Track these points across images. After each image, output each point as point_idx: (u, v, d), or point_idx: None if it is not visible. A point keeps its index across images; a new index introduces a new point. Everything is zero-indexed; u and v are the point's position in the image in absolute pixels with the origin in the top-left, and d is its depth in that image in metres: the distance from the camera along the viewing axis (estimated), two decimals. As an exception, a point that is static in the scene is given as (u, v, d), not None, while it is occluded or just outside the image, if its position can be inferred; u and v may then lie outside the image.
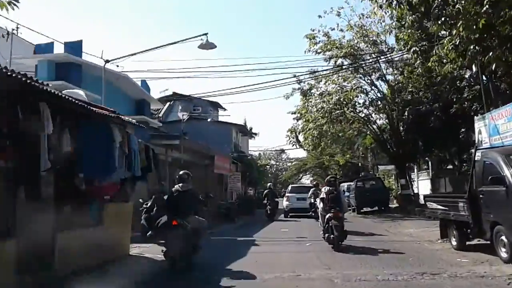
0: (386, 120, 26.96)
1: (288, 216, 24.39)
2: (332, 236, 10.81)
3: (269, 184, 29.20)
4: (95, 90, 12.07)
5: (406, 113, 25.69)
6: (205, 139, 29.29)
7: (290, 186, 30.99)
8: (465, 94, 21.44)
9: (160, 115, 35.67)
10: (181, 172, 9.40)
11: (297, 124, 27.65)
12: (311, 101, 26.55)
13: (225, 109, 41.32)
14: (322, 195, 11.83)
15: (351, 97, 24.28)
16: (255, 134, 67.71)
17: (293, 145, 28.00)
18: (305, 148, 28.11)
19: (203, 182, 21.73)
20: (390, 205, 27.91)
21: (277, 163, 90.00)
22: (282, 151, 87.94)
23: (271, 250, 11.04)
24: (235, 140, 35.86)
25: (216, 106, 39.92)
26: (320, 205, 12.14)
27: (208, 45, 13.88)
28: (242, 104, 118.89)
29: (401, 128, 26.44)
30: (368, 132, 27.81)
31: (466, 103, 21.86)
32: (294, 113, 27.24)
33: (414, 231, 15.47)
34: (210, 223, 18.12)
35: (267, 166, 42.63)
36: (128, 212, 9.78)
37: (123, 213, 9.46)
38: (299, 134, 27.43)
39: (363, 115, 26.42)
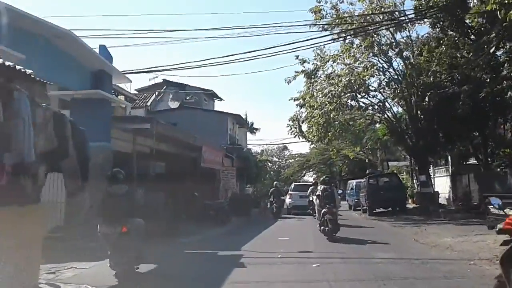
0: (403, 107, 23.25)
1: (291, 213, 24.88)
2: (326, 228, 12.49)
3: (275, 182, 28.15)
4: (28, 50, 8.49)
5: (426, 98, 22.07)
6: (198, 130, 25.85)
7: (293, 184, 30.95)
8: (504, 71, 17.83)
9: (148, 104, 32.29)
10: (113, 171, 8.06)
11: (300, 111, 24.04)
12: (316, 85, 22.92)
13: (221, 99, 37.75)
14: (318, 192, 13.79)
15: (364, 79, 20.60)
16: (256, 129, 64.23)
17: (296, 136, 24.34)
18: (309, 139, 24.45)
19: (189, 178, 18.18)
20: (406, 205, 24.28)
21: (280, 160, 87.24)
22: (285, 147, 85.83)
23: (261, 278, 7.32)
24: (231, 132, 32.25)
25: (212, 95, 36.35)
26: (316, 201, 14.49)
27: None
28: (242, 98, 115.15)
29: (421, 116, 22.80)
30: (381, 121, 24.04)
31: (505, 82, 18.22)
32: (297, 99, 23.58)
33: (452, 241, 11.85)
34: (194, 227, 14.73)
35: (268, 162, 39.16)
36: (33, 220, 6.16)
37: (18, 222, 5.84)
38: (302, 123, 23.78)
39: (376, 100, 22.76)
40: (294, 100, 23.74)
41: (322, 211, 12.80)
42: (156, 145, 15.91)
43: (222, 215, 16.58)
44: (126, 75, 14.62)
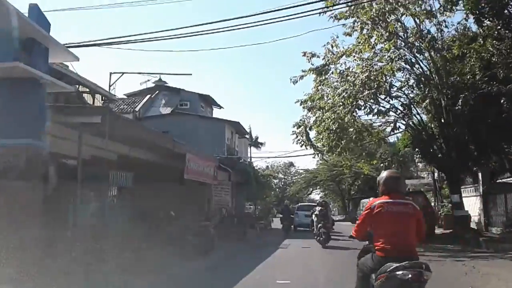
0: (431, 113, 19.38)
1: (296, 229, 27.80)
2: (321, 238, 17.00)
3: (286, 201, 32.88)
4: None
5: (460, 102, 18.24)
6: (191, 139, 22.37)
7: (298, 204, 35.50)
8: None
9: (137, 108, 28.80)
10: None
11: (307, 116, 20.24)
12: (327, 84, 19.21)
13: (220, 107, 34.15)
14: (316, 212, 18.71)
15: (387, 74, 16.81)
16: (261, 144, 60.65)
17: (302, 145, 20.47)
18: (318, 150, 20.60)
19: (167, 193, 14.43)
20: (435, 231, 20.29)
21: (285, 177, 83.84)
22: (291, 164, 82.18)
23: None
24: (228, 142, 28.53)
25: (209, 101, 32.78)
26: (315, 218, 18.69)
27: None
28: (245, 110, 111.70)
29: (452, 124, 18.95)
30: (406, 128, 20.10)
31: None
32: (304, 101, 19.81)
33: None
34: (162, 259, 10.90)
35: (272, 178, 34.97)
36: None
37: None
38: (310, 129, 19.97)
39: (399, 103, 18.89)
40: (301, 103, 19.96)
41: (318, 226, 17.22)
42: (117, 148, 12.23)
43: (205, 241, 12.69)
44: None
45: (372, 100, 17.34)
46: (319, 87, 19.35)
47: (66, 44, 10.60)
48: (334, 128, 18.46)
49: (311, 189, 59.04)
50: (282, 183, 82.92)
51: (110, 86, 12.84)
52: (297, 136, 20.53)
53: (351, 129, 18.86)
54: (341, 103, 17.50)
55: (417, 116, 19.42)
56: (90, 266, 7.84)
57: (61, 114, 9.58)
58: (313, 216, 19.24)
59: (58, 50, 9.77)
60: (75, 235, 8.90)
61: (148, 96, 30.54)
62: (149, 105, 30.68)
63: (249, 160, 35.47)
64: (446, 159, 18.95)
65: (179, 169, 15.31)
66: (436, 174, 29.25)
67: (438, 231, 21.12)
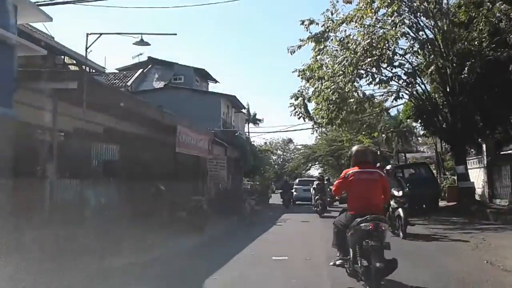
0: (436, 81, 18.43)
1: (295, 203, 28.80)
2: (317, 209, 18.69)
3: (285, 177, 36.36)
4: None
5: (466, 69, 17.28)
6: (186, 113, 21.49)
7: (297, 179, 35.22)
8: None
9: (129, 83, 27.78)
10: None
11: (305, 87, 19.27)
12: (327, 52, 18.19)
13: (216, 81, 33.07)
14: (314, 186, 20.79)
15: (390, 40, 15.77)
16: (259, 120, 59.68)
17: (300, 117, 19.60)
18: (317, 122, 19.73)
19: (157, 167, 13.61)
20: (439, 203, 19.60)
21: (284, 154, 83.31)
22: (290, 140, 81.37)
23: None
24: (224, 116, 27.61)
25: (205, 76, 31.68)
26: (313, 192, 20.91)
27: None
28: (243, 86, 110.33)
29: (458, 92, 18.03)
30: (410, 97, 19.14)
31: None
32: (302, 71, 18.79)
33: None
34: (152, 236, 10.15)
35: (270, 153, 34.15)
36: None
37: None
38: (309, 100, 19.05)
39: (402, 72, 17.89)
40: (299, 73, 18.95)
41: (316, 198, 18.76)
42: (102, 120, 11.38)
43: (198, 217, 11.92)
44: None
45: (374, 69, 16.34)
46: (318, 57, 18.31)
47: (37, 2, 9.57)
48: (334, 99, 17.57)
49: (310, 164, 58.34)
50: (281, 160, 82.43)
51: (86, 49, 11.77)
52: (295, 108, 19.63)
53: (352, 100, 17.91)
54: (341, 72, 16.56)
55: (421, 85, 18.46)
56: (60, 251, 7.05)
57: (34, 80, 8.67)
58: (312, 190, 21.67)
59: (28, 8, 8.82)
60: (47, 215, 8.09)
61: (140, 71, 29.48)
62: (142, 80, 29.65)
63: (246, 135, 34.64)
64: (451, 130, 18.12)
65: (170, 142, 14.48)
66: (439, 146, 28.46)
67: (441, 203, 20.42)
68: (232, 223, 15.77)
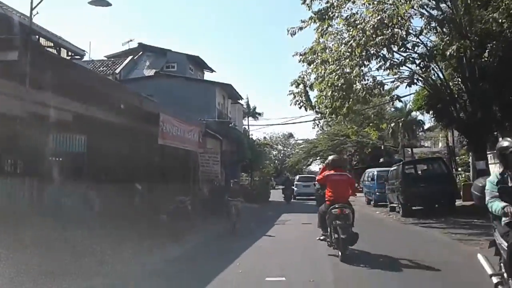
0: (454, 66, 16.47)
1: (296, 199, 29.22)
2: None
3: (286, 173, 37.66)
4: None
5: (487, 52, 15.34)
6: (178, 103, 19.76)
7: (297, 176, 36.38)
8: None
9: (117, 71, 25.83)
10: None
11: (307, 72, 17.30)
12: (332, 32, 16.22)
13: (212, 70, 31.07)
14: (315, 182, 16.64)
15: (404, 15, 13.77)
16: (259, 114, 57.59)
17: (302, 106, 17.60)
18: (319, 111, 17.77)
19: (135, 161, 11.71)
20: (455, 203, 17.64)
21: (285, 149, 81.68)
22: (290, 135, 79.38)
23: None
24: (219, 107, 25.66)
25: (199, 64, 29.69)
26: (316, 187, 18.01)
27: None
28: (241, 78, 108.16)
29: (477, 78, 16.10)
30: (424, 83, 17.12)
31: None
32: (304, 54, 16.83)
33: None
34: (120, 247, 8.18)
35: (269, 148, 32.15)
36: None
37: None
38: (311, 88, 17.09)
39: (416, 55, 15.87)
40: (300, 56, 17.00)
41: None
42: (67, 105, 9.47)
43: (180, 221, 10.04)
44: None
45: (385, 50, 14.37)
46: (322, 39, 16.33)
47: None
48: (339, 85, 15.58)
49: (311, 159, 56.19)
50: (282, 155, 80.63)
51: (31, 10, 9.38)
52: (295, 97, 17.63)
53: (359, 87, 15.95)
54: (347, 54, 14.59)
55: (436, 70, 16.48)
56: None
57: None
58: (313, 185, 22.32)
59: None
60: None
61: (130, 58, 27.50)
62: (132, 67, 27.71)
63: (244, 128, 32.74)
64: (470, 120, 16.17)
65: (153, 133, 12.58)
66: (450, 139, 26.55)
67: (457, 203, 18.50)
68: (224, 226, 13.83)
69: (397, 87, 16.70)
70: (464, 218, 14.98)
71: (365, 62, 14.88)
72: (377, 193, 23.17)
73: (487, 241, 9.97)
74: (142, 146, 12.38)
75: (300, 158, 53.99)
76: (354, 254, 8.23)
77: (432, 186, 15.77)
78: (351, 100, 16.20)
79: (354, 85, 15.87)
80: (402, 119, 28.66)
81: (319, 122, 60.83)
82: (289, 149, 77.76)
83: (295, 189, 30.10)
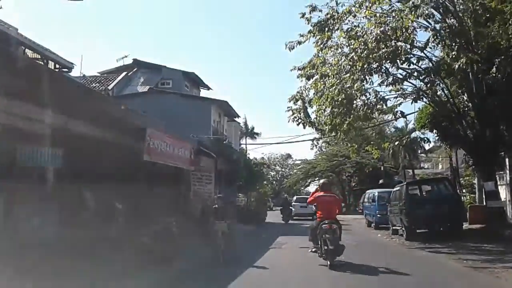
0: (459, 82, 15.70)
1: (294, 219, 29.32)
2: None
3: (284, 195, 37.76)
4: None
5: (494, 68, 14.65)
6: (172, 120, 18.93)
7: (295, 197, 36.93)
8: None
9: (110, 87, 25.06)
10: None
11: (306, 87, 16.52)
12: (331, 48, 15.49)
13: (208, 88, 30.35)
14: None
15: (408, 27, 12.99)
16: (257, 134, 56.80)
17: (300, 123, 16.76)
18: (318, 127, 16.92)
19: (128, 180, 10.73)
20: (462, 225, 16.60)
21: (283, 169, 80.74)
22: (288, 155, 78.63)
23: None
24: (215, 124, 24.81)
25: (195, 81, 28.97)
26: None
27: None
28: (238, 97, 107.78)
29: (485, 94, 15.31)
30: (429, 99, 16.26)
31: None
32: (303, 68, 16.08)
33: None
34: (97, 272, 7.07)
35: (267, 167, 31.12)
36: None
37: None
38: (310, 104, 16.29)
39: (420, 69, 15.08)
40: (298, 71, 16.25)
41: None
42: (45, 116, 8.58)
43: (164, 245, 9.01)
44: None
45: (388, 63, 13.57)
46: (321, 53, 15.61)
47: None
48: (339, 99, 14.74)
49: (309, 180, 55.21)
50: (280, 176, 79.62)
51: None
52: (293, 113, 16.83)
53: (360, 102, 15.14)
54: (348, 67, 13.82)
55: (441, 86, 15.69)
56: None
57: None
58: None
59: None
60: None
61: (124, 74, 26.78)
62: (126, 84, 26.94)
63: (241, 147, 31.82)
64: (479, 139, 15.31)
65: (140, 149, 11.65)
66: (454, 160, 25.65)
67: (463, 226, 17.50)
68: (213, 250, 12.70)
69: (400, 103, 15.89)
70: (472, 242, 13.98)
71: (367, 76, 14.05)
72: (378, 215, 22.17)
73: (504, 269, 9.13)
74: (126, 163, 11.41)
75: (298, 179, 52.99)
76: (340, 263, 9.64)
77: (438, 208, 14.79)
78: (352, 116, 15.38)
79: (355, 101, 15.09)
80: (407, 137, 27.74)
81: (317, 142, 60.15)
82: (287, 170, 76.99)
83: (293, 209, 30.27)
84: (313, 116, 16.35)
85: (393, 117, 15.08)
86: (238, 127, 31.78)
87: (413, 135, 32.51)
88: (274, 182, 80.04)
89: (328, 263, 9.39)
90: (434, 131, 19.46)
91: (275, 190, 75.01)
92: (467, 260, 10.81)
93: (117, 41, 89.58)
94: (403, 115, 15.04)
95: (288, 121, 17.05)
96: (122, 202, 9.73)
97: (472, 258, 11.09)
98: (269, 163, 64.19)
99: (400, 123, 30.39)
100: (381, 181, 43.05)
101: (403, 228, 15.93)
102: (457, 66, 12.57)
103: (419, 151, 32.92)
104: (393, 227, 18.24)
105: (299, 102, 16.43)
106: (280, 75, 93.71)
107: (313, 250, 10.42)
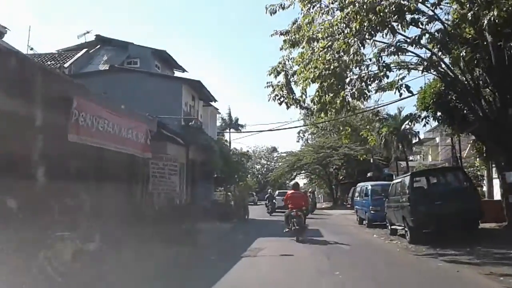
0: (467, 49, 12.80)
1: (276, 211, 30.18)
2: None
3: (270, 190, 38.75)
4: None
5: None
6: (138, 103, 16.11)
7: (277, 191, 37.66)
8: None
9: (66, 65, 21.83)
10: None
11: (289, 57, 13.47)
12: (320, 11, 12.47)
13: (183, 69, 27.17)
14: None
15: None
16: (242, 126, 53.72)
17: (282, 102, 13.73)
18: (303, 106, 13.89)
19: (26, 167, 7.62)
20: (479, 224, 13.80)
21: (268, 163, 78.75)
22: (274, 149, 76.16)
23: None
24: (187, 108, 21.68)
25: (167, 61, 25.77)
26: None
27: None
28: (222, 84, 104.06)
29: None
30: (438, 70, 13.28)
31: None
32: (286, 33, 13.04)
33: None
34: None
35: (248, 158, 27.99)
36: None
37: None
38: (293, 76, 13.26)
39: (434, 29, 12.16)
40: (281, 36, 13.21)
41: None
42: None
43: (56, 264, 5.95)
44: None
45: (395, 17, 10.56)
46: (309, 10, 12.58)
47: None
48: (331, 68, 11.76)
49: (294, 173, 52.43)
50: (265, 169, 77.51)
51: None
52: (274, 90, 13.80)
53: (357, 72, 12.24)
54: (344, 25, 10.88)
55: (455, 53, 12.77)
56: None
57: None
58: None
59: None
60: None
61: (84, 51, 23.50)
62: (86, 62, 23.70)
63: (221, 136, 28.76)
64: (497, 120, 12.52)
65: (60, 124, 8.53)
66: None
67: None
68: (159, 267, 9.55)
69: (403, 78, 12.90)
70: (493, 246, 11.23)
71: (366, 36, 11.08)
72: (372, 212, 19.56)
73: None
74: (46, 146, 8.30)
75: (283, 172, 50.07)
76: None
77: (451, 204, 11.99)
78: (345, 91, 12.45)
79: (349, 72, 12.19)
80: (407, 122, 24.87)
81: (303, 135, 57.23)
82: (272, 163, 74.56)
83: (276, 203, 31.61)
84: (298, 93, 13.34)
85: (397, 92, 12.09)
86: (215, 113, 28.62)
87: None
88: (259, 176, 77.80)
89: (296, 238, 13.66)
90: (438, 113, 16.65)
91: (261, 184, 72.71)
92: (503, 275, 8.01)
93: (80, 16, 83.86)
94: (409, 89, 12.07)
95: (268, 100, 14.00)
96: (19, 198, 6.64)
97: (507, 271, 8.30)
98: (250, 154, 61.07)
99: (393, 109, 27.62)
100: (369, 174, 40.79)
101: (406, 229, 13.13)
102: (484, 21, 9.63)
103: (413, 141, 30.22)
104: (392, 226, 15.51)
105: (281, 76, 13.41)
106: (265, 61, 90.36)
107: (287, 230, 14.54)
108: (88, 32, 24.55)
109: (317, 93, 13.03)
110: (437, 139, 37.89)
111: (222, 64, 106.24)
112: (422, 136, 33.86)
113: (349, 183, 48.24)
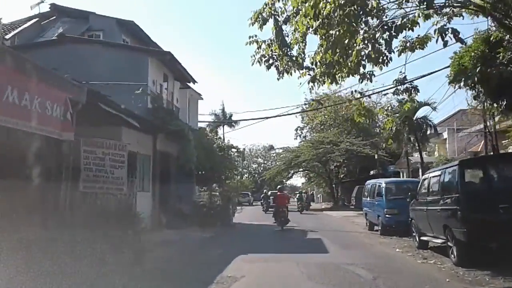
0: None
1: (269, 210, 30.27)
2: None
3: (265, 190, 42.23)
4: None
5: None
6: (97, 78, 14.11)
7: (269, 192, 37.92)
8: None
9: (8, 36, 17.75)
10: None
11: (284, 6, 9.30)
12: None
13: (160, 49, 22.88)
14: (297, 195, 36.68)
15: None
16: (235, 122, 49.79)
17: (271, 65, 9.60)
18: (302, 66, 9.64)
19: None
20: None
21: (265, 161, 76.44)
22: (271, 147, 72.72)
23: None
24: (155, 87, 17.47)
25: (136, 34, 21.58)
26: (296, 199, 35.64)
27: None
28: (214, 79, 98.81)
29: None
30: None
31: None
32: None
33: None
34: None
35: (236, 151, 24.41)
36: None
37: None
38: (286, 23, 9.12)
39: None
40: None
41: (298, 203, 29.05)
42: None
43: None
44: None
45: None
46: None
47: None
48: (338, 16, 7.73)
49: (291, 171, 48.36)
50: (262, 168, 74.30)
51: None
52: (259, 47, 9.64)
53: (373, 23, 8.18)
54: None
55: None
56: None
57: None
58: (296, 198, 36.65)
59: None
60: None
61: (34, 21, 19.37)
62: (37, 34, 19.60)
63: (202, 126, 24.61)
64: None
65: None
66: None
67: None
68: None
69: (448, 22, 8.81)
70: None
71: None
72: (387, 215, 15.75)
73: None
74: None
75: (279, 170, 45.87)
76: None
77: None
78: (355, 51, 8.33)
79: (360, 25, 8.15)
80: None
81: (301, 131, 53.21)
82: (269, 162, 71.07)
83: (270, 202, 32.95)
84: (292, 43, 9.18)
85: (439, 39, 7.99)
86: (197, 98, 24.33)
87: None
88: (255, 175, 74.63)
89: (281, 227, 18.43)
90: (477, 88, 12.50)
91: (257, 183, 69.44)
92: None
93: None
94: (457, 35, 7.95)
95: (252, 64, 9.79)
96: None
97: None
98: (246, 152, 57.23)
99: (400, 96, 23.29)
100: (373, 172, 37.03)
101: (451, 243, 9.01)
102: None
103: (428, 132, 26.12)
104: (421, 237, 11.41)
105: (270, 23, 9.23)
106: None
107: (274, 222, 19.16)
108: (42, 1, 20.41)
109: (320, 48, 8.97)
110: (445, 134, 34.08)
111: (209, 52, 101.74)
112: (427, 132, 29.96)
113: (350, 182, 44.49)
